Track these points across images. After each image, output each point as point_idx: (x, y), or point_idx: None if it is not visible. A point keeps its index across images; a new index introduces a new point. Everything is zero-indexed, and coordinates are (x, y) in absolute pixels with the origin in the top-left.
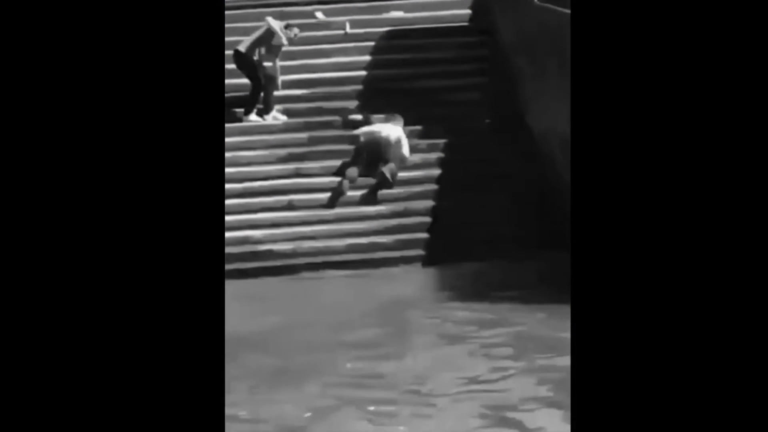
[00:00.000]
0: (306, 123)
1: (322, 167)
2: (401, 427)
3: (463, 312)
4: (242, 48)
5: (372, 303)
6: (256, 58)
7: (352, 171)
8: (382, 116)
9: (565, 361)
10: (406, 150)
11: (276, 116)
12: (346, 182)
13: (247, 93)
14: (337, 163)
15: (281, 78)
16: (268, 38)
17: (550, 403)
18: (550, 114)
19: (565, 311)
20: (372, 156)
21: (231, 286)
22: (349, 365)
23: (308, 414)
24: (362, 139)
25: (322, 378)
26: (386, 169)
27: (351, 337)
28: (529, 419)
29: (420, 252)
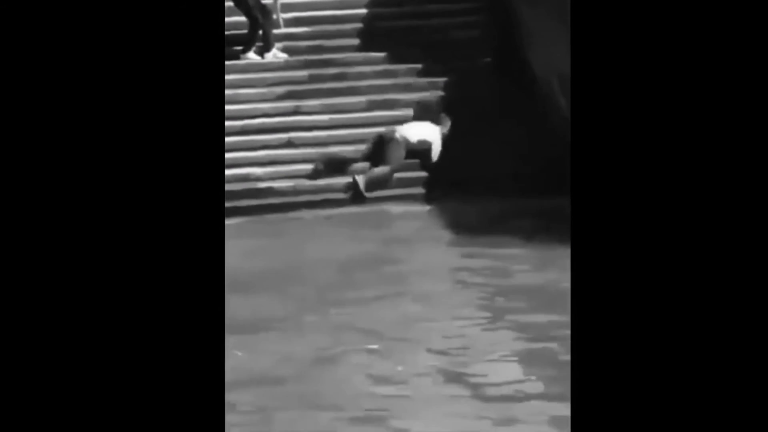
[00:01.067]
0: (306, 61)
1: (323, 105)
2: (399, 367)
3: (462, 254)
4: None
5: (370, 243)
6: None
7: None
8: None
9: (556, 316)
10: (435, 154)
11: (276, 54)
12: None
13: (246, 31)
14: (337, 100)
15: (282, 16)
16: None
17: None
18: (549, 53)
19: (561, 257)
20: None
21: (231, 224)
22: (334, 311)
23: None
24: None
25: (318, 322)
26: (360, 177)
27: (345, 279)
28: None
29: (420, 190)
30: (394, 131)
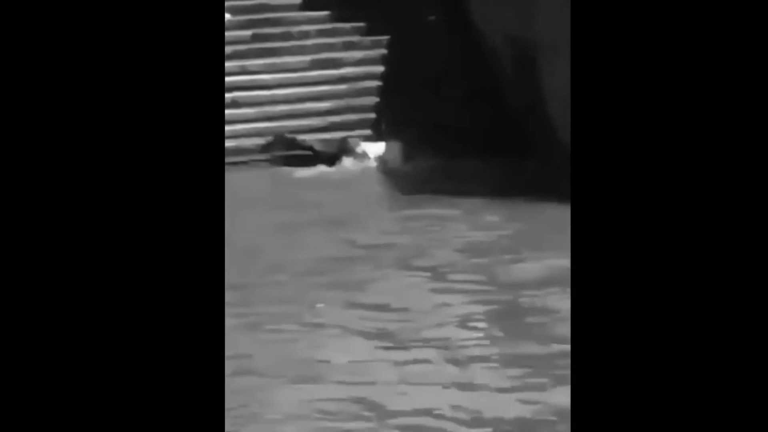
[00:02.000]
0: (250, 20)
1: (267, 64)
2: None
3: (415, 210)
4: None
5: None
6: None
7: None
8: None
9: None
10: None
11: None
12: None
13: None
14: (281, 60)
15: None
16: None
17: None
18: (495, 9)
19: (529, 211)
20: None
21: None
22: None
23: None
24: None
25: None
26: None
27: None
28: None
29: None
30: (357, 144)
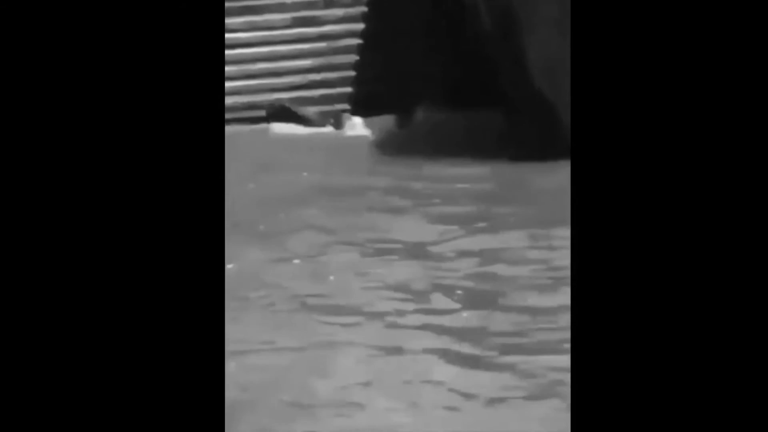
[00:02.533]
0: None
1: (246, 22)
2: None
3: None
4: None
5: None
6: None
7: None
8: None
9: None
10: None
11: None
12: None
13: None
14: (261, 18)
15: None
16: None
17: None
18: None
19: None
20: None
21: None
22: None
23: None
24: None
25: None
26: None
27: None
28: None
29: (345, 106)
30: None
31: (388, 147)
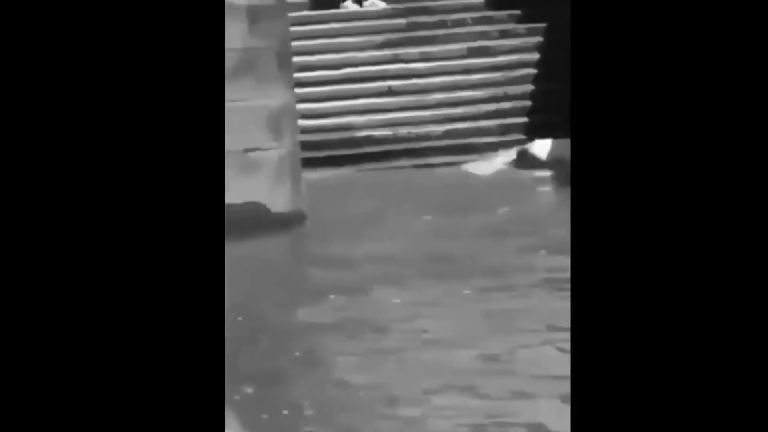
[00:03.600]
0: (405, 8)
1: (421, 53)
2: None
3: None
4: None
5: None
6: None
7: None
8: None
9: None
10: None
11: (374, 2)
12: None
13: None
14: (436, 48)
15: None
16: None
17: None
18: None
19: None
20: None
21: (328, 175)
22: None
23: None
24: None
25: None
26: None
27: None
28: None
29: (521, 137)
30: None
31: None
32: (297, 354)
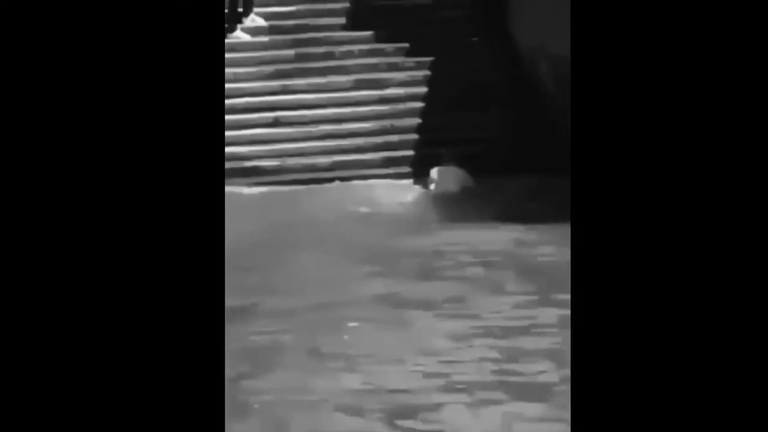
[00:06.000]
0: (293, 40)
1: (310, 84)
2: None
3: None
4: None
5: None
6: None
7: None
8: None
9: None
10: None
11: (254, 19)
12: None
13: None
14: (324, 79)
15: None
16: None
17: None
18: (539, 30)
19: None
20: None
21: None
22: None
23: None
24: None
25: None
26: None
27: None
28: None
29: (407, 170)
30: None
31: None
32: None
